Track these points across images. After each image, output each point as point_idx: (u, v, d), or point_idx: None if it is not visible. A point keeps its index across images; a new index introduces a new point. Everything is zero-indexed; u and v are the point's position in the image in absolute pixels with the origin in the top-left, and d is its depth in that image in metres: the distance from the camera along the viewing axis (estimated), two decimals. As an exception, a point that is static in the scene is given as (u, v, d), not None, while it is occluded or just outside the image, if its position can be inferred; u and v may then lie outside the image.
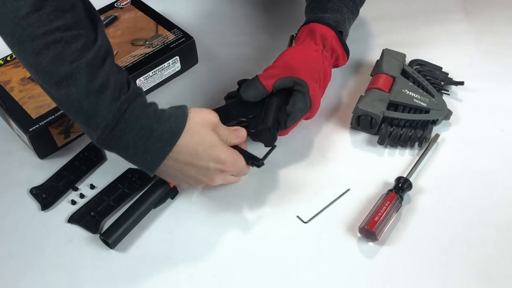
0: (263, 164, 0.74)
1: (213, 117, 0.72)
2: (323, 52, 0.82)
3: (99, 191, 0.80)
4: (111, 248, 0.73)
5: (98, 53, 0.64)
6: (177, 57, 0.95)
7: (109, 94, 0.63)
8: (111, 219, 0.77)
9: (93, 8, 0.68)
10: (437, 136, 0.85)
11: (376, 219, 0.72)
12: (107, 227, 0.74)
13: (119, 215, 0.75)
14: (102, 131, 0.64)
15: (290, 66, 0.78)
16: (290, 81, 0.77)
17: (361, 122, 0.85)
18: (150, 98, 0.93)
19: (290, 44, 0.89)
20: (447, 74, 0.95)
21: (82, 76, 0.62)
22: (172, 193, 0.78)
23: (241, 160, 0.73)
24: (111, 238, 0.72)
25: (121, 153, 0.68)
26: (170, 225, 0.76)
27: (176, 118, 0.68)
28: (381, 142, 0.85)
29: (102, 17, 1.00)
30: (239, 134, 0.74)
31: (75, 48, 0.62)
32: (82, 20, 0.64)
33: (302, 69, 0.78)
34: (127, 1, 1.04)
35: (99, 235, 0.73)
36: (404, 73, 0.90)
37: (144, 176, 0.81)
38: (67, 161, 0.84)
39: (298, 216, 0.77)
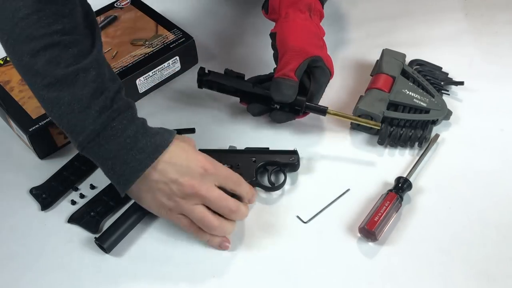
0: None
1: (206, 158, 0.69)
2: (312, 18, 0.82)
3: (99, 191, 0.80)
4: (106, 252, 0.73)
5: (94, 60, 0.64)
6: (177, 57, 0.95)
7: (101, 102, 0.63)
8: (111, 219, 0.77)
9: (92, 13, 0.68)
10: (437, 136, 0.85)
11: (376, 219, 0.72)
12: (106, 227, 0.74)
13: (119, 215, 0.75)
14: (87, 135, 0.64)
15: (299, 49, 0.76)
16: (305, 64, 0.77)
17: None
18: (150, 98, 0.94)
19: None
20: (447, 74, 0.95)
21: (76, 81, 0.62)
22: None
23: (232, 200, 0.69)
24: (107, 243, 0.72)
25: (99, 162, 0.67)
26: (169, 226, 0.76)
27: (162, 135, 0.67)
28: (381, 142, 0.85)
29: (102, 17, 1.00)
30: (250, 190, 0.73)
31: (72, 53, 0.62)
32: (80, 25, 0.65)
33: (309, 46, 0.77)
34: (127, 1, 1.04)
35: (94, 239, 0.73)
36: (404, 73, 0.90)
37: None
38: (67, 161, 0.84)
39: (298, 216, 0.77)
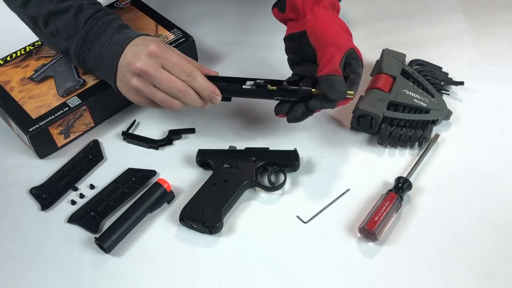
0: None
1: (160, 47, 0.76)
2: (334, 13, 0.83)
3: (99, 191, 0.80)
4: (106, 252, 0.73)
5: None
6: (177, 57, 0.95)
7: (86, 13, 0.79)
8: (111, 219, 0.77)
9: None
10: (437, 136, 0.85)
11: (376, 219, 0.72)
12: (106, 227, 0.74)
13: (119, 215, 0.75)
14: (77, 42, 0.79)
15: (339, 45, 0.77)
16: (344, 58, 0.77)
17: (361, 122, 0.85)
18: (150, 98, 0.94)
19: None
20: (447, 74, 0.95)
21: (63, 11, 0.79)
22: (169, 197, 0.78)
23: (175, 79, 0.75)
24: (107, 243, 0.72)
25: (92, 64, 0.80)
26: (168, 227, 0.76)
27: (133, 32, 0.79)
28: (381, 142, 0.85)
29: (102, 17, 1.01)
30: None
31: None
32: None
33: (345, 41, 0.78)
34: (127, 1, 1.03)
35: (94, 239, 0.73)
36: (404, 73, 0.90)
37: (143, 176, 0.81)
38: (67, 161, 0.84)
39: (298, 216, 0.77)
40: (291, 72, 0.85)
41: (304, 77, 0.80)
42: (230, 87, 0.78)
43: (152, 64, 0.74)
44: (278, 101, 0.80)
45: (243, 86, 0.78)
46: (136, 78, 0.75)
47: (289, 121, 0.79)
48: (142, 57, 0.74)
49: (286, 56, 0.85)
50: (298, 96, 0.77)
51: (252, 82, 0.78)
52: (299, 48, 0.83)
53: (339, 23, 0.81)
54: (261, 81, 0.78)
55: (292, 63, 0.85)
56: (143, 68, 0.73)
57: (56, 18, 0.80)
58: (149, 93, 0.76)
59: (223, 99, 0.79)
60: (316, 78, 0.77)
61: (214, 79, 0.78)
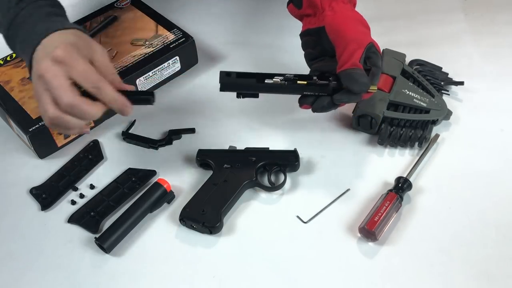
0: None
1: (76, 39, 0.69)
2: (352, 7, 0.83)
3: (99, 191, 0.80)
4: (106, 252, 0.73)
5: None
6: (177, 57, 0.95)
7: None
8: (111, 219, 0.77)
9: None
10: (437, 136, 0.85)
11: (376, 219, 0.72)
12: (106, 227, 0.74)
13: (119, 215, 0.75)
14: (7, 24, 0.73)
15: (360, 40, 0.77)
16: (365, 52, 0.77)
17: (361, 122, 0.85)
18: (150, 98, 0.94)
19: None
20: (447, 74, 0.95)
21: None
22: (169, 197, 0.78)
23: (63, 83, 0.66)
24: (107, 243, 0.72)
25: (19, 48, 0.73)
26: (168, 227, 0.76)
27: (54, 23, 0.71)
28: (381, 142, 0.85)
29: (102, 17, 1.00)
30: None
31: None
32: None
33: (364, 35, 0.78)
34: (127, 1, 1.04)
35: (94, 239, 0.73)
36: (404, 73, 0.90)
37: (143, 176, 0.81)
38: (67, 161, 0.84)
39: (298, 216, 0.77)
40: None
41: (324, 72, 0.79)
42: (258, 83, 0.76)
43: (54, 71, 0.66)
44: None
45: (273, 80, 0.76)
46: (38, 82, 0.67)
47: (314, 111, 0.78)
48: (46, 62, 0.66)
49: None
50: (329, 90, 0.76)
51: (281, 77, 0.76)
52: (317, 42, 0.82)
53: (358, 18, 0.81)
54: (291, 76, 0.77)
55: (310, 59, 0.85)
56: (43, 74, 0.66)
57: None
58: (45, 100, 0.67)
59: (250, 95, 0.77)
60: (336, 74, 0.76)
61: (242, 75, 0.76)
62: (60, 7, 0.78)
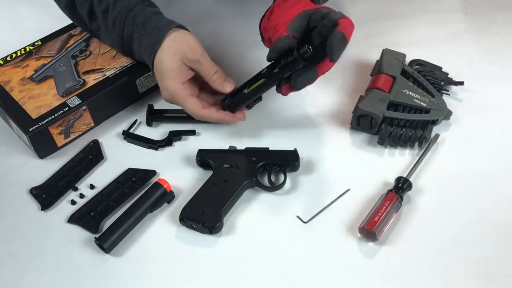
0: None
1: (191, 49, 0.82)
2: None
3: (99, 191, 0.80)
4: (106, 252, 0.73)
5: None
6: (177, 57, 0.95)
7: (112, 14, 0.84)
8: (111, 219, 0.77)
9: None
10: (437, 136, 0.85)
11: (376, 219, 0.72)
12: (106, 227, 0.74)
13: (119, 215, 0.75)
14: (117, 43, 0.86)
15: (287, 19, 0.74)
16: (301, 20, 0.73)
17: (361, 122, 0.85)
18: (150, 98, 0.94)
19: None
20: (447, 74, 0.95)
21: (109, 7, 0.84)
22: (169, 197, 0.78)
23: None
24: (107, 243, 0.72)
25: (137, 36, 0.84)
26: (168, 227, 0.76)
27: (157, 35, 0.82)
28: (381, 142, 0.85)
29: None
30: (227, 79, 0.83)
31: None
32: None
33: (298, 12, 0.74)
34: (127, 1, 1.03)
35: (94, 239, 0.73)
36: (404, 73, 0.90)
37: (143, 176, 0.81)
38: (67, 161, 0.84)
39: (298, 216, 0.77)
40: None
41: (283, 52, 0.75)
42: (251, 94, 0.80)
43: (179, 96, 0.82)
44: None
45: (258, 81, 0.78)
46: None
47: (296, 87, 0.75)
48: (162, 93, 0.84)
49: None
50: (305, 61, 0.72)
51: (264, 79, 0.77)
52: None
53: (301, 4, 0.77)
54: (264, 71, 0.77)
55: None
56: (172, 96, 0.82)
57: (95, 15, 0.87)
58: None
59: (254, 102, 0.82)
60: (293, 48, 0.73)
61: (235, 93, 0.82)
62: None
